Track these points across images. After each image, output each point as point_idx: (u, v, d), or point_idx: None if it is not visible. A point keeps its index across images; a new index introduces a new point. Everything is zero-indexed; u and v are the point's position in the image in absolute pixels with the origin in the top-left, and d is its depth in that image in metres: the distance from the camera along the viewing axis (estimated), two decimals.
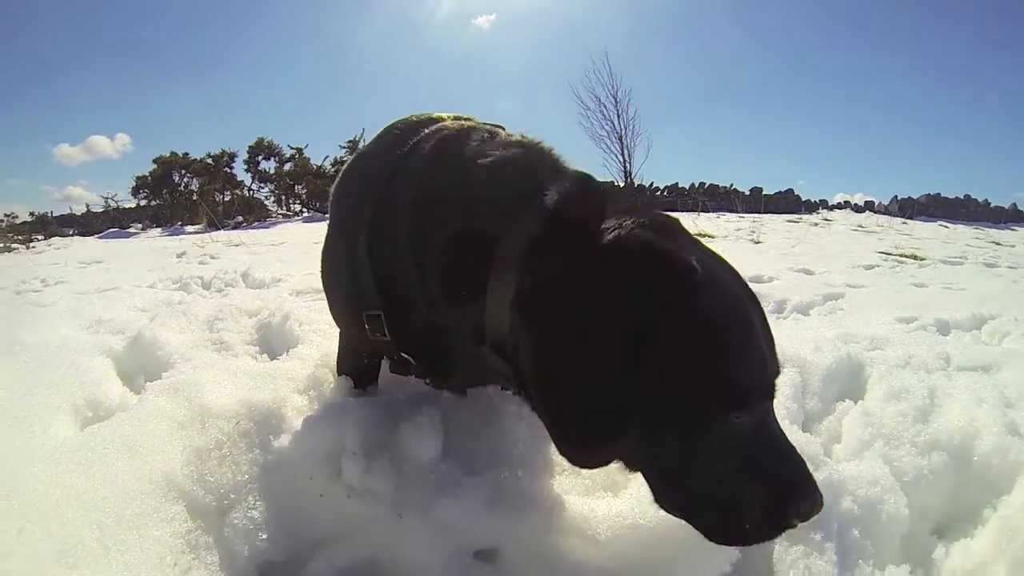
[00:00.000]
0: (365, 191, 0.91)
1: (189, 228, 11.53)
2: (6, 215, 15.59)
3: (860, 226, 7.71)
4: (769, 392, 0.69)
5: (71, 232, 12.22)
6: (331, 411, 0.99)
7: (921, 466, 0.96)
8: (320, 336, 1.52)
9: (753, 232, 5.91)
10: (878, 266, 3.73)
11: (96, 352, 1.32)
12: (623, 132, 18.06)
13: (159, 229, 12.58)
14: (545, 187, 0.76)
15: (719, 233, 5.51)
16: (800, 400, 1.22)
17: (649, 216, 0.73)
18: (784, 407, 1.14)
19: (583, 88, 18.84)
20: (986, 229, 12.95)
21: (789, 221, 8.02)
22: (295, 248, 5.08)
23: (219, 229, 11.21)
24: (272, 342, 1.58)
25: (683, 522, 0.71)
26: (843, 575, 0.78)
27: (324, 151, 12.92)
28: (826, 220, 8.92)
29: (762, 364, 0.68)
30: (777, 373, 0.71)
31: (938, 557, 0.87)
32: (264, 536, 0.81)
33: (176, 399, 0.99)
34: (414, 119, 0.98)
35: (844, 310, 2.26)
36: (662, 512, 0.73)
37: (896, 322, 1.92)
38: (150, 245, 7.16)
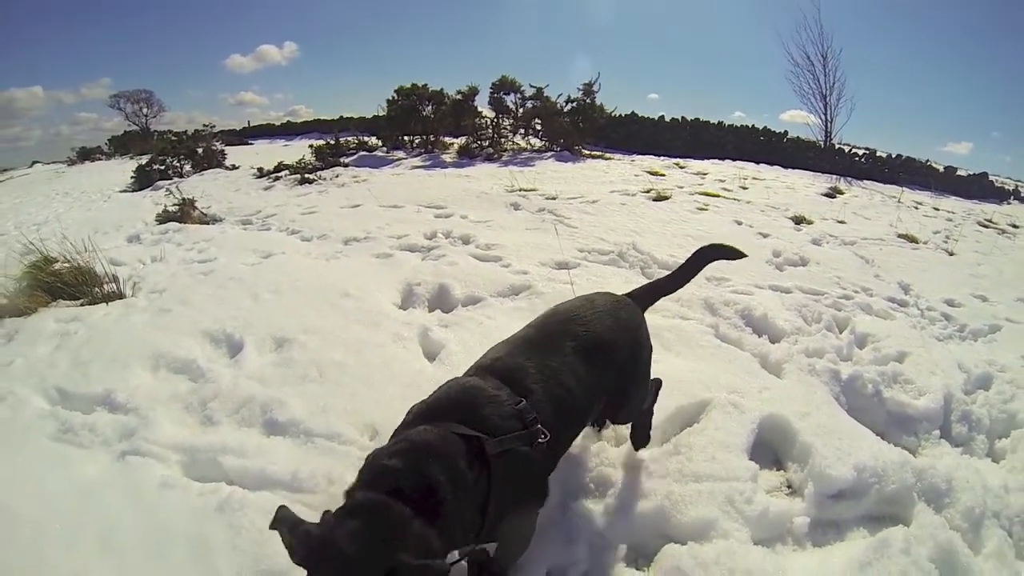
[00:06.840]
0: None
1: (445, 157, 13.53)
2: (204, 125, 17.61)
3: None
4: None
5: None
6: None
7: (985, 414, 3.53)
8: None
9: (947, 240, 7.66)
10: None
11: None
12: (827, 92, 18.02)
13: (402, 152, 14.37)
14: None
15: (921, 237, 7.41)
16: (961, 386, 3.72)
17: None
18: (957, 386, 3.66)
19: (793, 44, 18.84)
20: None
21: (980, 224, 9.34)
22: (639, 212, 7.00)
23: (474, 158, 13.85)
24: None
25: None
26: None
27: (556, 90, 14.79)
28: (1014, 227, 9.89)
29: None
30: None
31: None
32: None
33: None
34: None
35: (997, 341, 4.55)
36: None
37: (1019, 358, 4.24)
38: (452, 185, 8.17)
